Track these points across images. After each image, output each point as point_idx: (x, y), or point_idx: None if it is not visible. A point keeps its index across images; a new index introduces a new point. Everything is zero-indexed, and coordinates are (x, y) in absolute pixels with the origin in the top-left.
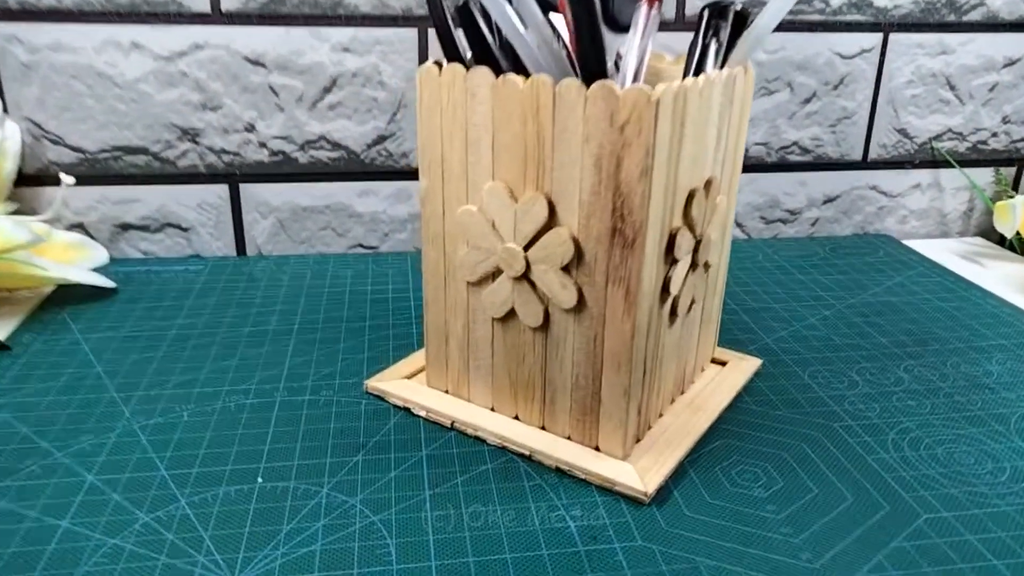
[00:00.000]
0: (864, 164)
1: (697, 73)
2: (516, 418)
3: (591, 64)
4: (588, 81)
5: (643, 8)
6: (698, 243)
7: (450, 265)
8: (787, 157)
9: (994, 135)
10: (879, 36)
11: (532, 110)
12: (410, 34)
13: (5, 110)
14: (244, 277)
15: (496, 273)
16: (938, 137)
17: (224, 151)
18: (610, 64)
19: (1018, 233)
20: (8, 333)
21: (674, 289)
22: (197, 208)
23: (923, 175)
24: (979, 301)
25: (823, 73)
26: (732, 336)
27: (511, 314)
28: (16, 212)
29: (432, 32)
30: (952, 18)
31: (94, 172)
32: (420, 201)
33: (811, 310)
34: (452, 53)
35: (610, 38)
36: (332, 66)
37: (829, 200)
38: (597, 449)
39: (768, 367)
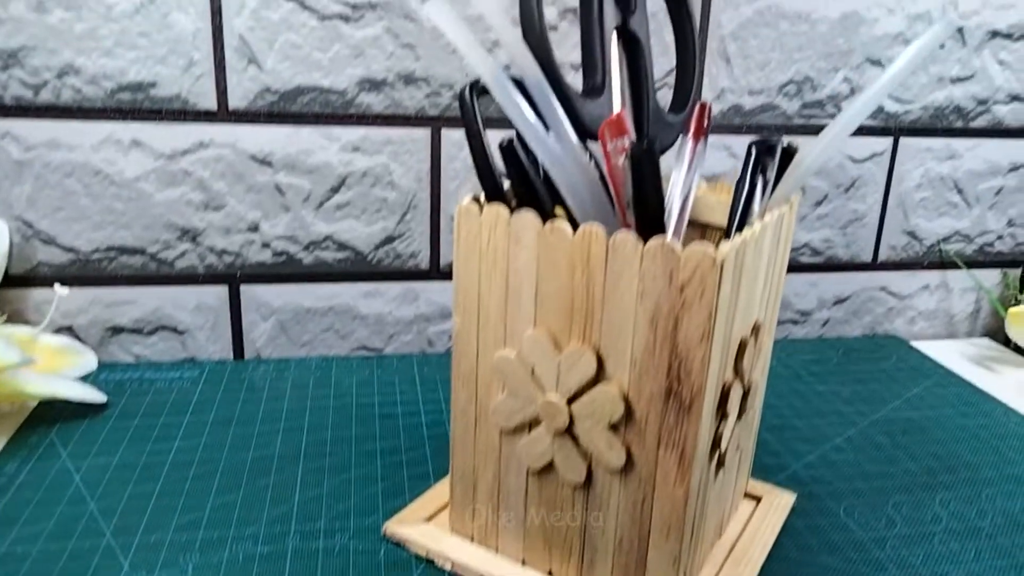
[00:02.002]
0: (874, 265)
1: (745, 210)
2: (550, 573)
3: (649, 219)
4: (644, 234)
5: (689, 143)
6: (746, 392)
7: (482, 409)
8: (798, 258)
9: (1000, 237)
10: (889, 140)
11: (582, 260)
12: (423, 134)
13: None
14: (243, 386)
15: (534, 423)
16: (946, 239)
17: (225, 251)
18: None
19: None
20: None
21: (724, 445)
22: (194, 310)
23: (932, 276)
24: (1002, 419)
25: (835, 176)
26: (760, 462)
27: (549, 467)
28: (2, 318)
29: (445, 132)
30: (959, 124)
31: (86, 273)
32: (452, 336)
33: (835, 428)
34: (491, 187)
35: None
36: (341, 166)
37: (839, 301)
38: None
39: (801, 500)
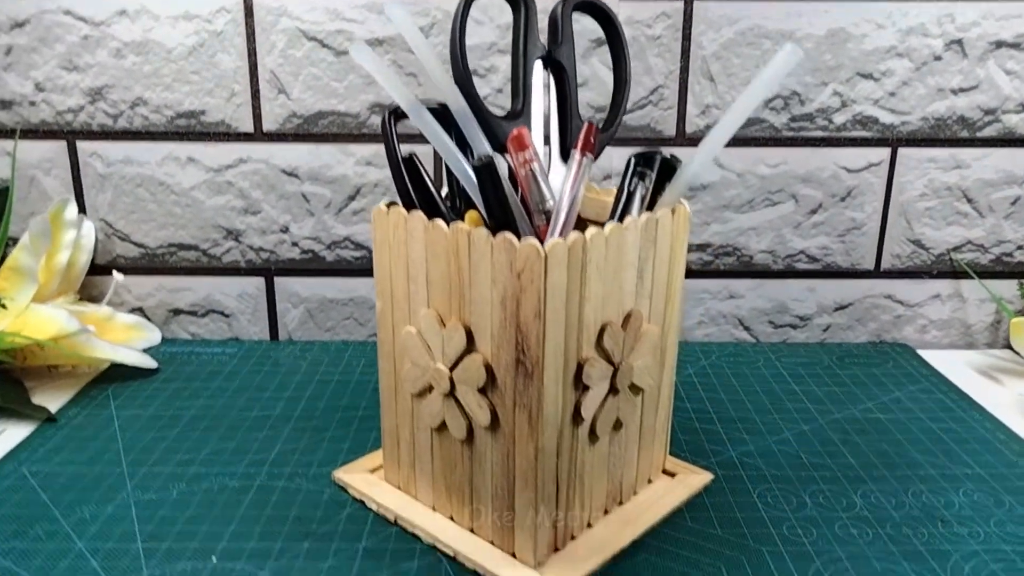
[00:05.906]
0: (877, 273)
1: (623, 213)
2: (452, 519)
3: (497, 217)
4: (495, 230)
5: (576, 155)
6: (616, 370)
7: (399, 377)
8: (794, 265)
9: (1020, 247)
10: (887, 151)
11: (454, 252)
12: (426, 149)
13: (83, 212)
14: (269, 362)
15: (431, 388)
16: (957, 248)
17: (262, 249)
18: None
19: None
20: (60, 406)
21: (587, 414)
22: (237, 297)
23: (943, 285)
24: (975, 424)
25: (829, 185)
26: (698, 447)
27: (444, 425)
28: (85, 298)
29: None
30: (965, 134)
31: (153, 264)
32: (377, 320)
33: (791, 423)
34: (403, 193)
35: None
36: (356, 177)
37: (841, 307)
38: (514, 555)
39: (720, 482)
